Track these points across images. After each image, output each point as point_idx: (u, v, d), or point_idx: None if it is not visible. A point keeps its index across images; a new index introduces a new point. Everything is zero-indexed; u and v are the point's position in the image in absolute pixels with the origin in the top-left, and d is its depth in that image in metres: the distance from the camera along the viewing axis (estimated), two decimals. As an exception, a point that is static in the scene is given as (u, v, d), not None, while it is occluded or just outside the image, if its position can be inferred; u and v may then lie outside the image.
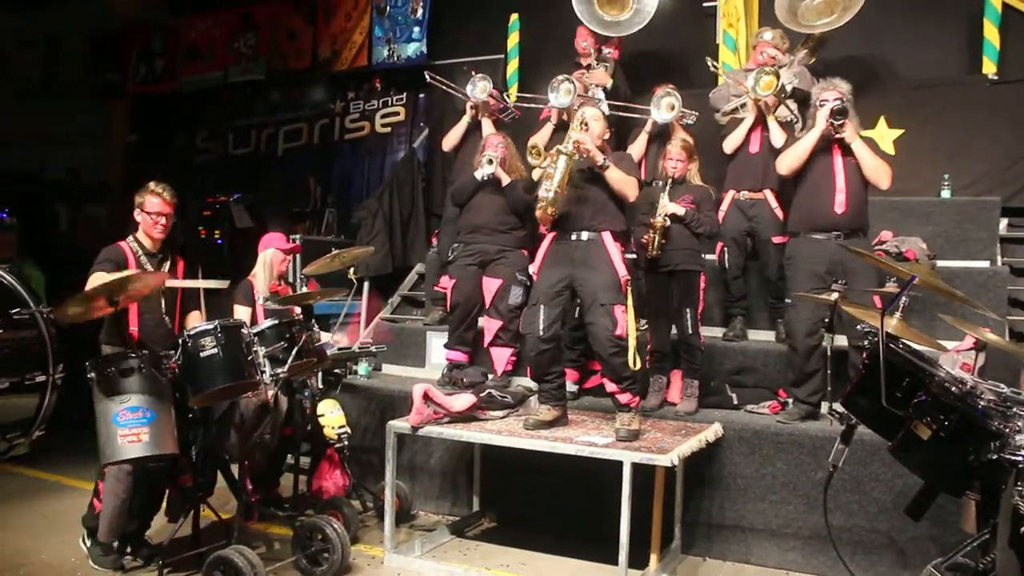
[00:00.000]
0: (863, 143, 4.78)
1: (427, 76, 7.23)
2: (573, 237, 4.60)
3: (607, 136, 4.85)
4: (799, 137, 5.06)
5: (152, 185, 4.58)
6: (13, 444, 4.44)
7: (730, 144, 5.94)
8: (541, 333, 4.57)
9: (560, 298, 4.60)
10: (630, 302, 4.54)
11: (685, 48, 7.62)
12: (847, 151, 4.81)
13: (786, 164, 5.03)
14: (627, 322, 4.48)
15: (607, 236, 4.57)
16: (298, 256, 7.37)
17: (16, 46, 11.66)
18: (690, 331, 5.19)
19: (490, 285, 5.81)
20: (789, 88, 5.76)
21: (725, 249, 5.83)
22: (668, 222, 5.16)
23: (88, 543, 4.44)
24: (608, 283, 4.48)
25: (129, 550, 4.40)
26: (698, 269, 5.27)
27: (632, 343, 4.51)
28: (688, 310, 5.18)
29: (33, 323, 4.26)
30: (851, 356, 4.80)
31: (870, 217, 5.03)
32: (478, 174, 5.85)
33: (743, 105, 6.01)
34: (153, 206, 4.52)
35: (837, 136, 4.78)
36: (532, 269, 5.40)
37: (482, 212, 5.90)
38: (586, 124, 4.60)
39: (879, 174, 4.75)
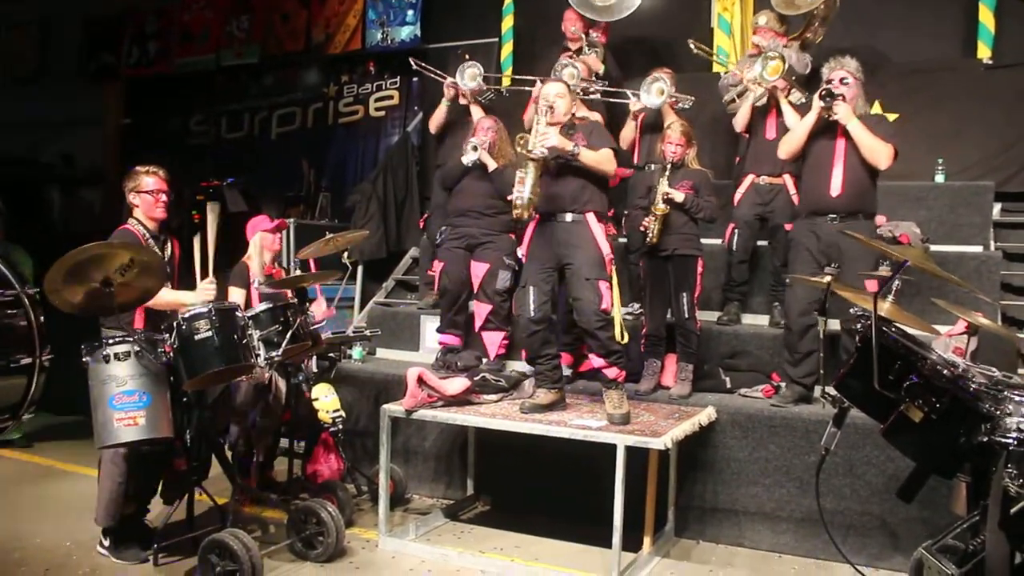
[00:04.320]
0: (861, 123, 4.73)
1: (412, 63, 7.22)
2: (557, 219, 4.62)
3: (575, 111, 4.80)
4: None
5: (140, 167, 4.54)
6: (3, 427, 4.42)
7: (739, 123, 5.96)
8: (532, 314, 4.61)
9: (549, 279, 4.65)
10: (615, 279, 4.59)
11: (681, 32, 7.59)
12: (848, 133, 4.80)
13: (784, 149, 5.05)
14: (612, 297, 4.53)
15: (591, 216, 4.60)
16: (292, 240, 7.37)
17: (9, 30, 11.58)
18: (686, 315, 5.21)
19: (478, 269, 5.82)
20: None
21: (736, 231, 5.84)
22: (668, 208, 5.16)
23: (106, 543, 4.41)
24: (593, 260, 4.53)
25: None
26: (695, 254, 5.28)
27: (618, 317, 4.55)
28: (684, 294, 5.20)
29: (19, 304, 4.22)
30: (843, 339, 4.82)
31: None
32: (464, 159, 5.86)
33: (740, 94, 6.03)
34: (150, 184, 4.48)
35: (831, 119, 4.78)
36: (520, 252, 5.42)
37: (469, 196, 5.91)
38: (551, 109, 4.55)
39: (876, 154, 4.72)
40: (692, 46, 6.30)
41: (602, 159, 4.58)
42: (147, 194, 4.47)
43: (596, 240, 4.57)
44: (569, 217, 4.60)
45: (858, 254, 4.67)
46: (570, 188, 4.59)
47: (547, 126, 4.48)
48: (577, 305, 4.58)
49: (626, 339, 4.70)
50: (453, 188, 6.06)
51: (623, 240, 6.08)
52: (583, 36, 6.69)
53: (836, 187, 4.78)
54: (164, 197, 4.52)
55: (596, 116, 5.94)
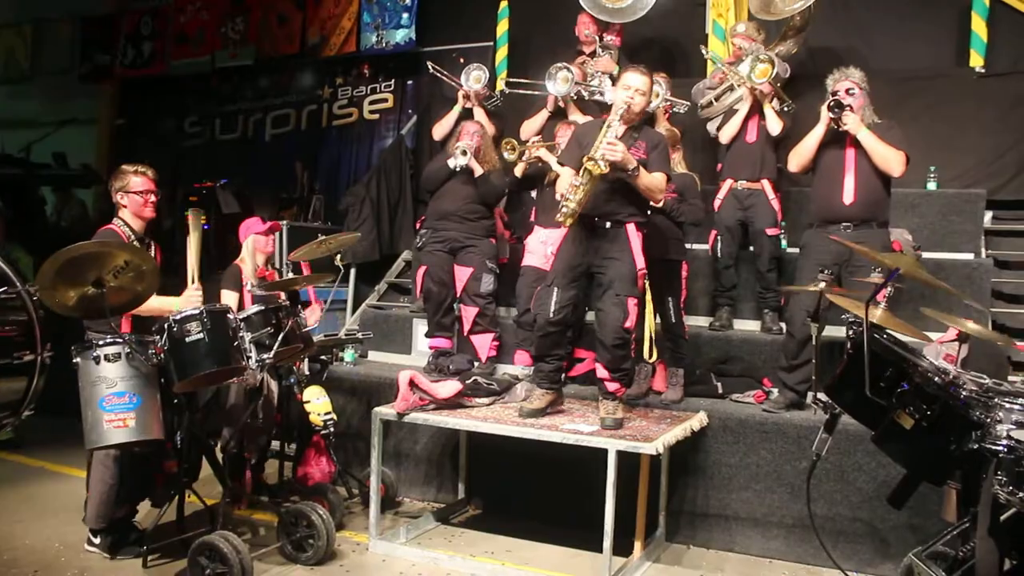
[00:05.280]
0: (871, 132, 4.75)
1: (430, 67, 7.22)
2: (596, 225, 4.51)
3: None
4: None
5: (128, 167, 4.48)
6: (2, 424, 4.41)
7: (726, 134, 5.96)
8: (551, 316, 4.52)
9: (575, 283, 4.55)
10: (648, 296, 4.52)
11: (676, 37, 7.63)
12: (859, 142, 4.81)
13: (795, 162, 5.04)
14: (637, 315, 4.46)
15: (631, 227, 4.50)
16: (284, 242, 7.36)
17: (3, 29, 11.55)
18: (673, 320, 5.21)
19: (461, 273, 5.85)
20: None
21: (719, 238, 5.86)
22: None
23: (97, 542, 4.40)
24: (626, 274, 4.43)
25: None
26: (680, 258, 5.29)
27: (648, 335, 4.49)
28: (671, 299, 5.19)
29: (20, 303, 4.19)
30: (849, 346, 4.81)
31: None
32: (451, 163, 5.86)
33: (718, 97, 6.05)
34: (139, 185, 4.41)
35: (840, 128, 4.79)
36: (543, 250, 5.41)
37: (452, 200, 5.93)
38: (629, 105, 4.42)
39: (889, 162, 4.73)
40: (704, 52, 6.37)
41: (655, 187, 4.47)
42: (135, 194, 4.41)
43: (633, 253, 4.47)
44: (609, 224, 4.50)
45: (869, 263, 4.66)
46: (615, 195, 4.48)
47: (616, 137, 4.33)
48: (600, 317, 4.50)
49: (655, 356, 4.64)
50: (436, 191, 6.05)
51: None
52: (596, 39, 6.70)
53: (849, 195, 4.79)
54: (153, 197, 4.47)
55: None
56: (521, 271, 5.82)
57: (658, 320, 5.28)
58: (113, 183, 4.46)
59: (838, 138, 4.86)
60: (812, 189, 5.11)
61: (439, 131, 6.75)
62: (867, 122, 4.83)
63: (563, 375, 5.45)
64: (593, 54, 6.67)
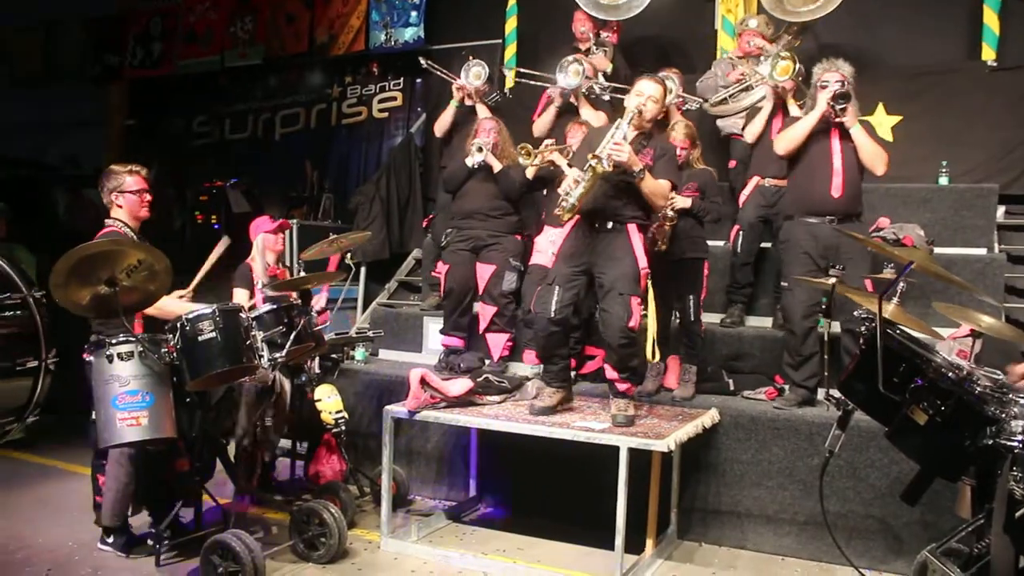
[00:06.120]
0: (862, 128, 4.76)
1: (422, 62, 7.23)
2: (598, 225, 4.51)
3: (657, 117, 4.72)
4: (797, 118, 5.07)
5: (119, 167, 4.46)
6: (7, 429, 4.41)
7: (751, 133, 5.87)
8: (552, 315, 4.49)
9: (576, 282, 4.52)
10: (650, 295, 4.50)
11: (685, 33, 7.61)
12: (845, 135, 4.78)
13: (782, 145, 5.01)
14: (641, 314, 4.44)
15: (632, 227, 4.49)
16: (295, 241, 7.38)
17: (14, 31, 11.60)
18: (692, 318, 5.19)
19: (483, 271, 5.82)
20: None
21: (741, 233, 5.83)
22: (676, 219, 5.12)
23: (110, 540, 4.42)
24: (628, 273, 4.41)
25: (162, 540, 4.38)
26: (702, 257, 5.27)
27: (651, 335, 4.47)
28: (691, 297, 5.17)
29: (25, 307, 4.19)
30: (844, 341, 4.80)
31: (867, 203, 5.02)
32: (469, 161, 5.85)
33: (732, 96, 6.02)
34: (133, 184, 4.41)
35: (837, 120, 4.77)
36: (552, 250, 5.40)
37: (475, 198, 5.91)
38: (640, 112, 4.44)
39: (876, 160, 4.74)
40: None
41: (658, 193, 4.45)
42: (132, 194, 4.41)
43: (635, 252, 4.45)
44: (610, 224, 4.48)
45: (857, 256, 4.66)
46: (618, 196, 4.46)
47: (624, 139, 4.31)
48: (604, 317, 4.48)
49: (657, 357, 4.63)
50: (457, 191, 6.05)
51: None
52: (592, 36, 6.69)
53: (836, 189, 4.77)
54: (148, 197, 4.46)
55: (602, 116, 5.96)
56: (528, 270, 5.81)
57: (676, 318, 5.29)
58: (105, 183, 4.43)
59: (824, 130, 4.85)
60: (793, 180, 5.08)
61: (439, 127, 6.80)
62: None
63: (573, 373, 5.48)
64: (588, 51, 6.66)
